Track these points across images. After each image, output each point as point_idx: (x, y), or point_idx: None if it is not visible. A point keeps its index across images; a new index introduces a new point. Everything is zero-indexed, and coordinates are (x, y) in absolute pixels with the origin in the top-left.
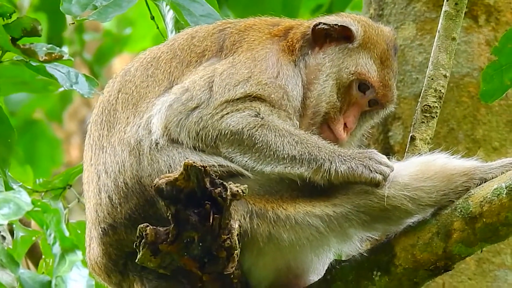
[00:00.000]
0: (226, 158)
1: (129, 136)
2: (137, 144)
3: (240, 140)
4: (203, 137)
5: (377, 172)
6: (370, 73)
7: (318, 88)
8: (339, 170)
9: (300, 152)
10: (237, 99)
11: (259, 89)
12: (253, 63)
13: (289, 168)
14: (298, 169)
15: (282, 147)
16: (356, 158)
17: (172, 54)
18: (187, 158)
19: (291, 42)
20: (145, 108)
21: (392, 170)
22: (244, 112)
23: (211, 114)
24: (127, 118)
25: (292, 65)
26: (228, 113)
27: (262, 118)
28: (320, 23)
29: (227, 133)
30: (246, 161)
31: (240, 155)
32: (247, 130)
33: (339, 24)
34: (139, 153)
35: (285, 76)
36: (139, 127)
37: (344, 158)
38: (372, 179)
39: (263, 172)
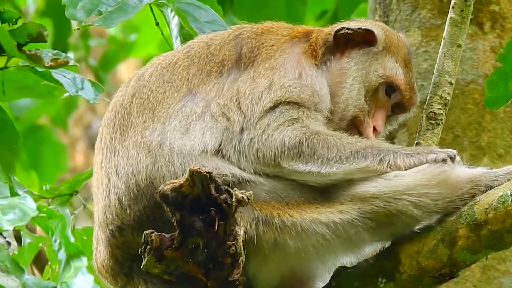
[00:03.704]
0: (288, 172)
1: (149, 139)
2: (158, 147)
3: (300, 152)
4: (262, 159)
5: (441, 152)
6: (398, 76)
7: (345, 92)
8: (404, 156)
9: (362, 147)
10: (269, 109)
11: (284, 92)
12: (272, 72)
13: (354, 164)
14: (363, 162)
15: (343, 147)
16: (414, 148)
17: (189, 61)
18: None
19: (314, 47)
20: (165, 113)
21: (455, 153)
22: (292, 125)
23: (259, 135)
24: (144, 122)
25: (315, 67)
26: (275, 130)
27: (309, 127)
28: (342, 28)
29: (285, 150)
30: (310, 169)
31: (303, 165)
32: (304, 141)
33: (362, 28)
34: (156, 156)
35: (309, 76)
36: (161, 131)
37: (404, 148)
38: (437, 158)
39: (329, 175)
